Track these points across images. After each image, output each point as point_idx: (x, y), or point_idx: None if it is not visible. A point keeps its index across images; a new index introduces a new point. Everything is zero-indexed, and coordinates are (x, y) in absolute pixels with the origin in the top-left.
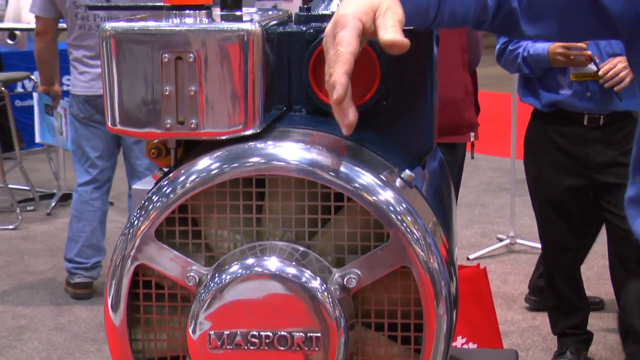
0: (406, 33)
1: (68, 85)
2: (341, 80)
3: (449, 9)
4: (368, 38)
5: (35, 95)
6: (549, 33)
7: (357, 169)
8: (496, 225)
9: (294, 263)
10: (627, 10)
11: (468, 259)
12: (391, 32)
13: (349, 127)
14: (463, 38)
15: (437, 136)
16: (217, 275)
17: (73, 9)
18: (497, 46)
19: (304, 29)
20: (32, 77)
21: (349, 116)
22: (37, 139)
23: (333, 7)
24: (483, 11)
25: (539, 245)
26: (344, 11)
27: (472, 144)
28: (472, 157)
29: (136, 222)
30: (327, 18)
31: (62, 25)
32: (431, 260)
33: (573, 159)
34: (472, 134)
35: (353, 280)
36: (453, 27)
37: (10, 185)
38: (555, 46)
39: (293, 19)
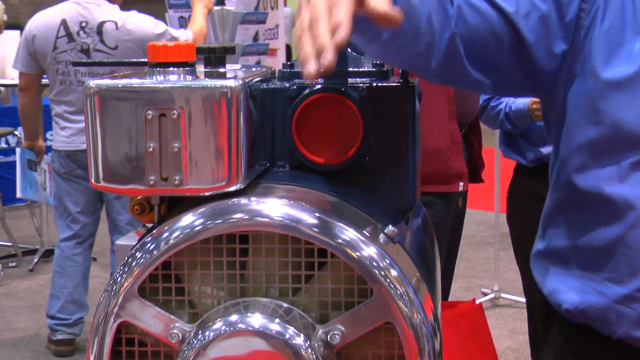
0: (391, 91)
1: (51, 141)
2: (345, 26)
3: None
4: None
5: (17, 150)
6: (479, 79)
7: (341, 224)
8: (481, 279)
9: (277, 320)
10: (548, 60)
11: None
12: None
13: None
14: (449, 88)
15: (424, 186)
16: (200, 332)
17: (54, 65)
18: (479, 103)
19: (287, 85)
20: (16, 132)
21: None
22: (18, 194)
23: None
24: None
25: (524, 300)
26: None
27: (463, 194)
28: (464, 207)
29: (119, 279)
30: None
31: (46, 81)
32: (415, 316)
33: None
34: (461, 183)
35: (337, 336)
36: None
37: None
38: (533, 101)
39: (277, 75)
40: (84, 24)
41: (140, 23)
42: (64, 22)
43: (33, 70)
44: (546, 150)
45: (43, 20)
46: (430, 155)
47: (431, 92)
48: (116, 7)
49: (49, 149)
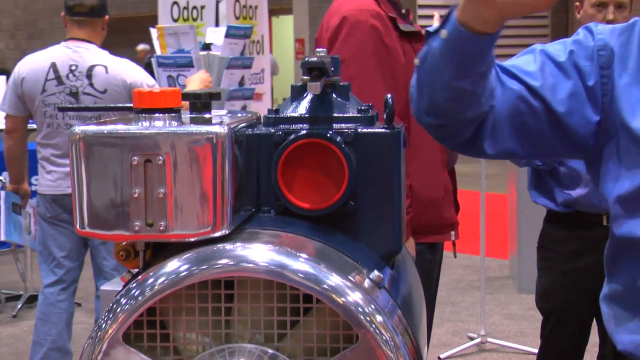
0: (375, 137)
1: (36, 185)
2: None
3: None
4: None
5: (2, 193)
6: (511, 148)
7: (326, 270)
8: (467, 324)
9: None
10: (585, 127)
11: (439, 358)
12: None
13: None
14: None
15: (420, 236)
16: None
17: (42, 108)
18: None
19: (272, 130)
20: (1, 177)
21: None
22: (2, 237)
23: (301, 110)
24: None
25: (510, 344)
26: None
27: (454, 243)
28: (455, 256)
29: (104, 325)
30: (295, 120)
31: (32, 125)
32: None
33: (593, 264)
34: (452, 232)
35: None
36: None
37: None
38: None
39: (262, 120)
40: (73, 67)
41: (132, 70)
42: (53, 65)
43: (20, 112)
44: (576, 193)
45: (33, 63)
46: (428, 206)
47: (427, 144)
48: (106, 52)
49: (33, 193)
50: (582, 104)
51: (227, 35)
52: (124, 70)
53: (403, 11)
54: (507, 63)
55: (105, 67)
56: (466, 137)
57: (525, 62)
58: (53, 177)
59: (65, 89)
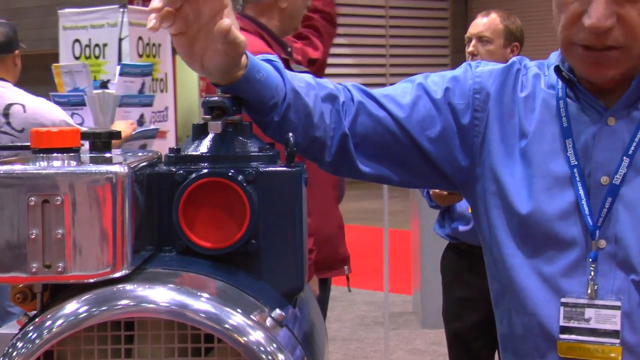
0: (277, 175)
1: None
2: None
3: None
4: None
5: None
6: (385, 174)
7: (227, 309)
8: None
9: None
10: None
11: None
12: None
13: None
14: (334, 176)
15: (316, 272)
16: None
17: None
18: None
19: (173, 169)
20: None
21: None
22: None
23: (203, 149)
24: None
25: None
26: None
27: (347, 277)
28: (349, 290)
29: None
30: (196, 159)
31: None
32: None
33: (480, 293)
34: (345, 267)
35: None
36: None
37: None
38: None
39: (163, 159)
40: None
41: (51, 109)
42: None
43: None
44: (462, 228)
45: None
46: (325, 242)
47: (322, 182)
48: (22, 91)
49: None
50: (451, 142)
51: (121, 74)
52: (43, 109)
53: (289, 49)
54: (381, 91)
55: (23, 106)
56: (327, 161)
57: (400, 92)
58: None
59: None
